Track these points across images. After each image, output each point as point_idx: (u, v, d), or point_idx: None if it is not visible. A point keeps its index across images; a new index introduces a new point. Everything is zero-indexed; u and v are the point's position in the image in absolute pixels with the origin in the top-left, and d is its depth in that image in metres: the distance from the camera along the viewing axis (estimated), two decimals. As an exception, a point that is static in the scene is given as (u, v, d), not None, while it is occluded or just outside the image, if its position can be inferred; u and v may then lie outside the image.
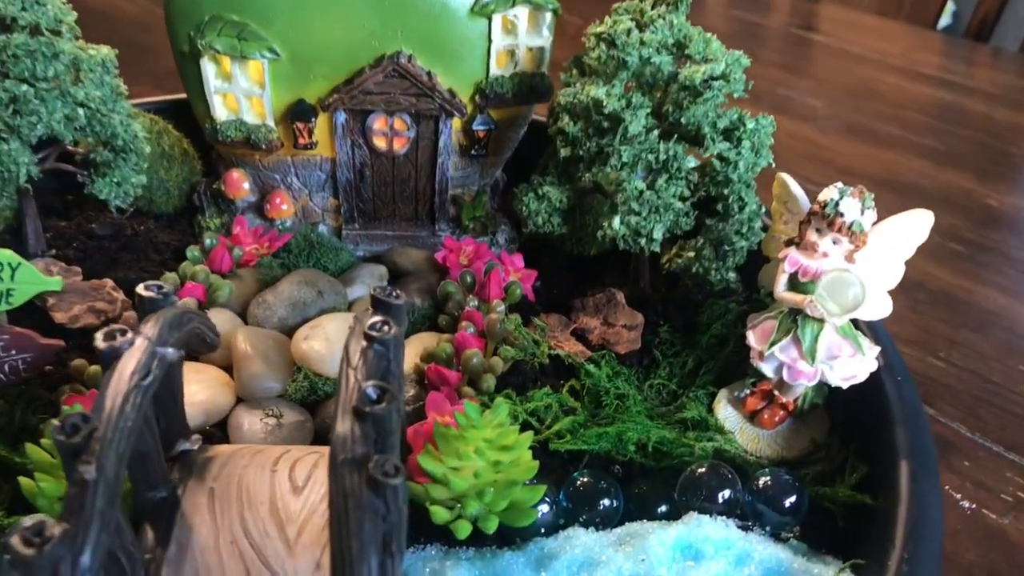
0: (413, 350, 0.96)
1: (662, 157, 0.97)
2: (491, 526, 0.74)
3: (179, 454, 0.78)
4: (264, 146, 1.14)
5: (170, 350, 0.66)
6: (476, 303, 1.03)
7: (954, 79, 2.51)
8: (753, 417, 0.94)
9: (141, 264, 1.10)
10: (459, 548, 0.77)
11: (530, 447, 0.84)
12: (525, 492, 0.76)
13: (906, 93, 2.38)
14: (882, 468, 0.82)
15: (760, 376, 0.96)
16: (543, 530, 0.80)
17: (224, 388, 0.91)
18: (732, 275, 1.11)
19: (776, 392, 0.94)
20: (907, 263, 0.88)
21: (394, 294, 0.72)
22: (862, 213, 0.83)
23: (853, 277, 0.84)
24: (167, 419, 0.77)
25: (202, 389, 0.89)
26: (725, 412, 0.95)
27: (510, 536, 0.80)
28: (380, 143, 1.15)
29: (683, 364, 1.01)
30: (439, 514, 0.74)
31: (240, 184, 1.20)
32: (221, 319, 0.98)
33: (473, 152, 1.17)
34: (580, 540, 0.78)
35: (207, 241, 1.12)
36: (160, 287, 0.73)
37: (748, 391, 0.97)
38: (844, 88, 2.38)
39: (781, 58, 2.59)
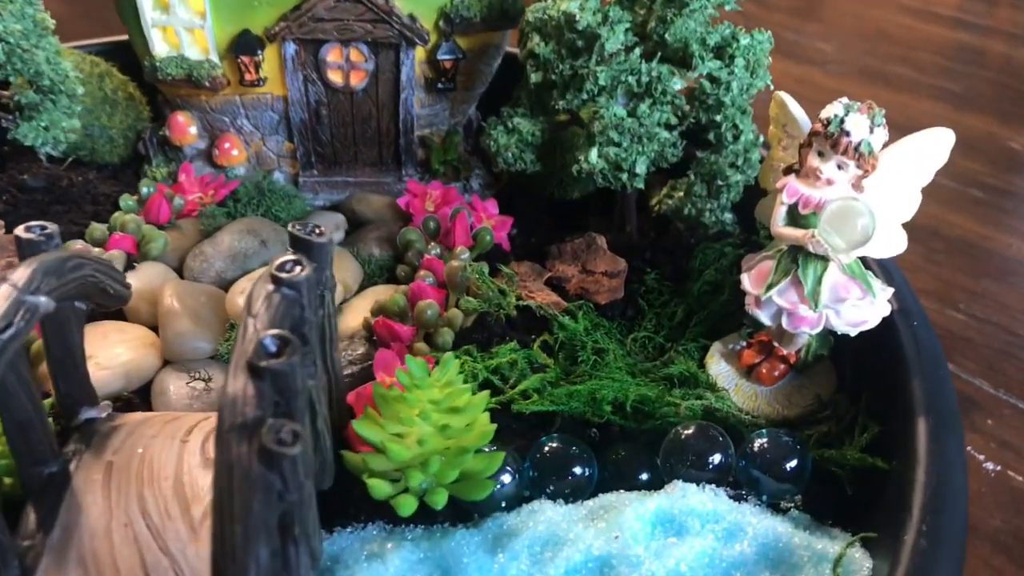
0: (366, 304, 0.85)
1: (644, 79, 0.86)
2: (439, 500, 0.63)
3: (82, 423, 0.68)
4: (208, 84, 1.03)
5: (43, 299, 0.56)
6: (439, 251, 0.92)
7: (972, 19, 2.37)
8: (750, 372, 0.83)
9: (72, 216, 1.00)
10: (405, 526, 0.67)
11: (491, 409, 0.74)
12: (479, 461, 0.65)
13: (920, 35, 2.24)
14: (896, 427, 0.71)
15: (757, 326, 0.84)
16: (504, 504, 0.69)
17: (149, 349, 0.80)
18: (728, 216, 0.99)
19: (775, 343, 0.83)
20: (921, 210, 0.77)
21: (315, 230, 0.62)
22: (871, 132, 0.72)
23: (862, 206, 0.72)
24: (65, 382, 0.67)
25: (125, 350, 0.79)
26: (718, 367, 0.84)
27: (467, 512, 0.69)
28: (335, 77, 1.03)
29: (671, 315, 0.90)
30: (378, 488, 0.63)
31: (186, 129, 1.09)
32: (152, 273, 0.88)
33: (440, 86, 1.06)
34: (545, 515, 0.67)
35: (144, 189, 1.02)
36: (43, 227, 0.62)
37: (744, 343, 0.86)
38: (855, 31, 2.25)
39: (788, 2, 2.46)
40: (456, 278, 0.83)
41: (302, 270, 0.56)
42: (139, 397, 0.79)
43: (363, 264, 0.95)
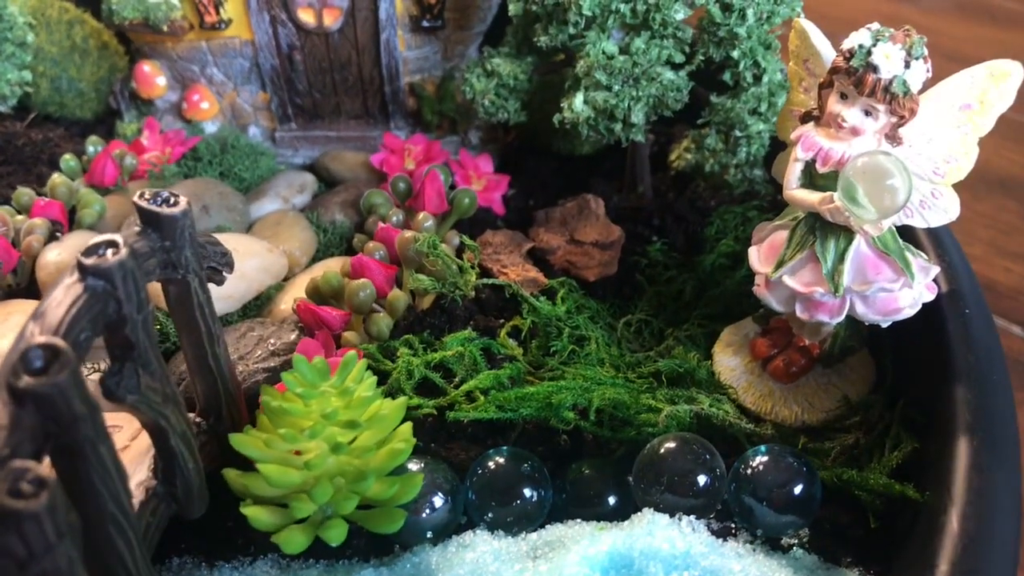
0: (308, 279, 0.73)
1: (640, 7, 0.70)
2: (333, 537, 0.51)
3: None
4: (167, 28, 0.91)
5: None
6: (400, 217, 0.78)
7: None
8: (765, 366, 0.68)
9: (16, 180, 0.90)
10: (303, 562, 0.55)
11: (426, 416, 0.61)
12: (388, 487, 0.52)
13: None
14: (935, 446, 0.56)
15: (772, 310, 0.69)
16: (429, 535, 0.56)
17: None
18: (758, 173, 0.83)
19: (795, 331, 0.67)
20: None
21: (168, 199, 0.49)
22: (907, 67, 0.55)
23: (893, 163, 0.55)
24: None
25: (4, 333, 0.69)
26: (727, 359, 0.69)
27: (388, 544, 0.57)
28: (306, 17, 0.90)
29: (677, 293, 0.75)
30: (259, 519, 0.51)
31: (152, 80, 0.98)
32: (80, 244, 0.77)
33: (426, 23, 0.91)
34: (476, 551, 0.54)
35: (91, 148, 0.91)
36: None
37: (759, 330, 0.70)
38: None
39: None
40: (407, 251, 0.70)
41: (115, 254, 0.43)
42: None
43: (322, 232, 0.82)
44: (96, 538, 0.42)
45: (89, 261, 0.43)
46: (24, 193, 0.82)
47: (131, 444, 0.56)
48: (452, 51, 0.97)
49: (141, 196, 0.49)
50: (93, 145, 0.92)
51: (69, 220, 0.82)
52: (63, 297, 0.42)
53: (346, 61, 0.94)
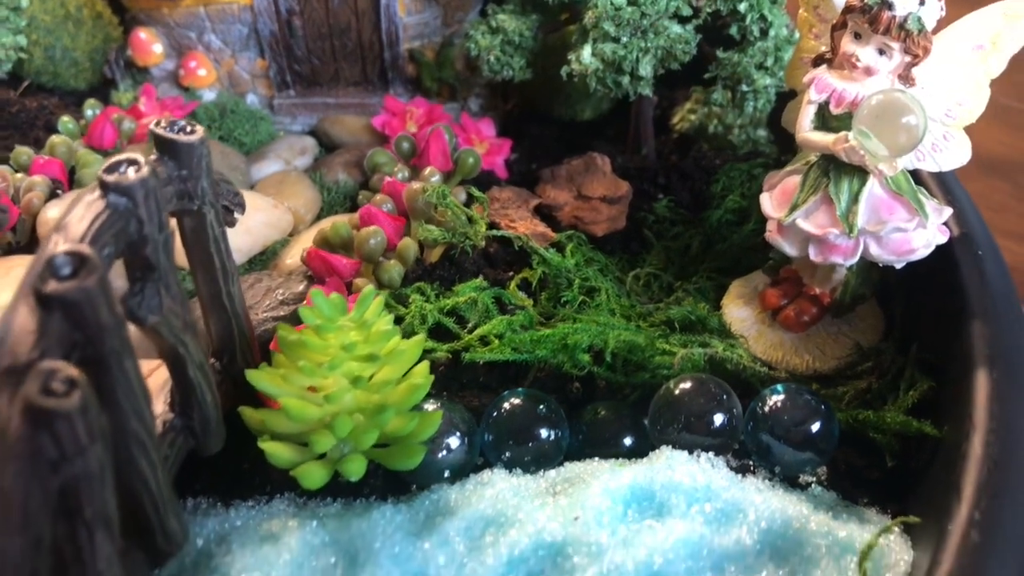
0: (314, 235, 0.72)
1: (648, -40, 0.70)
2: (353, 471, 0.50)
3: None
4: (161, -9, 0.90)
5: None
6: (407, 174, 0.78)
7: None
8: (775, 316, 0.68)
9: (13, 142, 0.88)
10: (321, 500, 0.54)
11: (441, 360, 0.60)
12: (408, 422, 0.52)
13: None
14: (952, 382, 0.56)
15: (784, 259, 0.69)
16: (448, 475, 0.56)
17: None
18: (761, 133, 0.84)
19: (805, 281, 0.67)
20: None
21: (185, 127, 0.48)
22: (922, 3, 0.55)
23: (909, 100, 0.56)
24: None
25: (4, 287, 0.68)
26: (737, 311, 0.69)
27: (403, 482, 0.56)
28: (306, -19, 0.90)
29: (684, 248, 0.75)
30: (278, 454, 0.51)
31: (148, 47, 0.97)
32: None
33: (426, -12, 0.91)
34: (495, 488, 0.53)
35: (88, 112, 0.90)
36: None
37: (768, 281, 0.70)
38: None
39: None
40: (416, 202, 0.69)
41: (137, 171, 0.43)
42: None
43: (325, 191, 0.82)
44: (119, 457, 0.41)
45: (111, 178, 0.42)
46: (23, 152, 0.81)
47: (148, 380, 0.55)
48: (452, 17, 0.96)
49: (157, 124, 0.48)
50: (91, 108, 0.90)
51: (69, 181, 0.81)
52: (85, 212, 0.41)
53: (345, 26, 0.94)
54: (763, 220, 0.70)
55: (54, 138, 0.82)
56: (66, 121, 0.87)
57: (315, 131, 0.95)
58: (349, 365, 0.51)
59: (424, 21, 0.95)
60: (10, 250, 0.75)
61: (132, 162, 0.43)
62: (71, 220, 0.41)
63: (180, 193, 0.49)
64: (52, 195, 0.77)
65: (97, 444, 0.35)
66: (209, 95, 0.98)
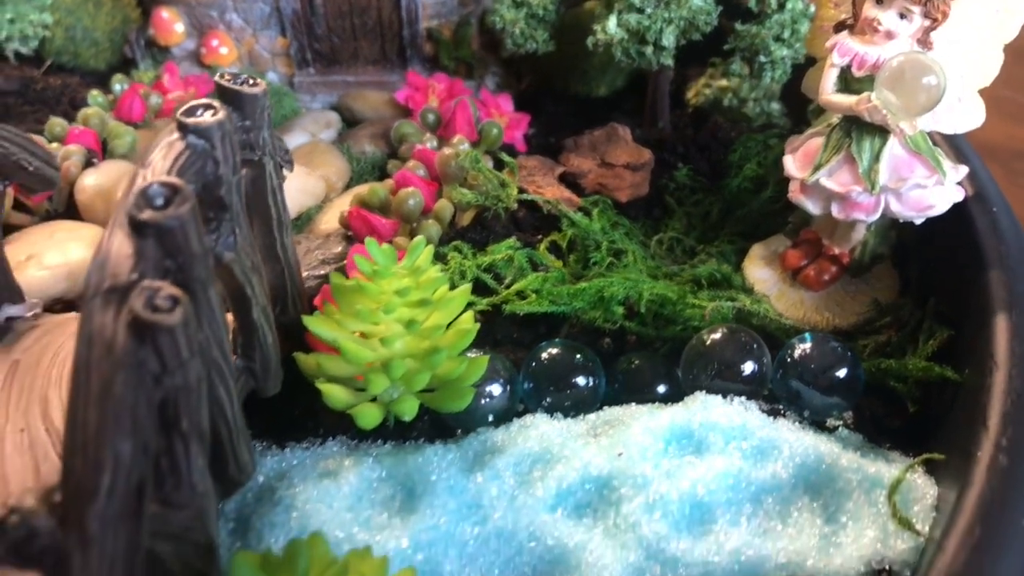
0: (347, 201, 0.75)
1: (671, -66, 0.73)
2: (406, 410, 0.53)
3: (2, 323, 0.59)
4: (189, -29, 0.92)
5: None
6: (435, 143, 0.80)
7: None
8: (795, 276, 0.70)
9: (40, 116, 0.90)
10: (372, 442, 0.57)
11: (482, 312, 0.63)
12: (458, 365, 0.54)
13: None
14: (971, 329, 0.58)
15: (805, 221, 0.72)
16: (492, 420, 0.58)
17: (100, 249, 0.71)
18: (775, 106, 0.86)
19: (825, 241, 0.70)
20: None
21: (247, 80, 0.51)
22: (942, -32, 0.58)
23: (929, 61, 0.58)
24: (-22, 274, 0.58)
25: (73, 249, 0.69)
26: (758, 271, 0.72)
27: (448, 428, 0.59)
28: (329, -40, 0.92)
29: (704, 214, 0.78)
30: (334, 396, 0.53)
31: (171, 26, 0.99)
32: (114, 170, 0.78)
33: (446, -32, 0.94)
34: (539, 430, 0.56)
35: (117, 86, 0.92)
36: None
37: (789, 243, 0.73)
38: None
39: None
40: (449, 166, 0.71)
41: (214, 115, 0.45)
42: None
43: (353, 162, 0.84)
44: (200, 385, 0.43)
45: (190, 120, 0.44)
46: (57, 123, 0.83)
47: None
48: (469, -2, 0.99)
49: (222, 76, 0.51)
50: (119, 83, 0.92)
51: (102, 151, 0.83)
52: (167, 152, 0.43)
53: (366, 5, 0.96)
54: (780, 187, 0.73)
55: (87, 110, 0.84)
56: (95, 95, 0.89)
57: (338, 106, 0.97)
58: (402, 310, 0.54)
59: (442, 1, 0.97)
60: (48, 216, 0.77)
61: (208, 106, 0.45)
62: (154, 159, 0.43)
63: (243, 143, 0.51)
64: (88, 164, 0.79)
65: (196, 359, 0.37)
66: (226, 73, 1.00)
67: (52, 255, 0.69)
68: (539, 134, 0.93)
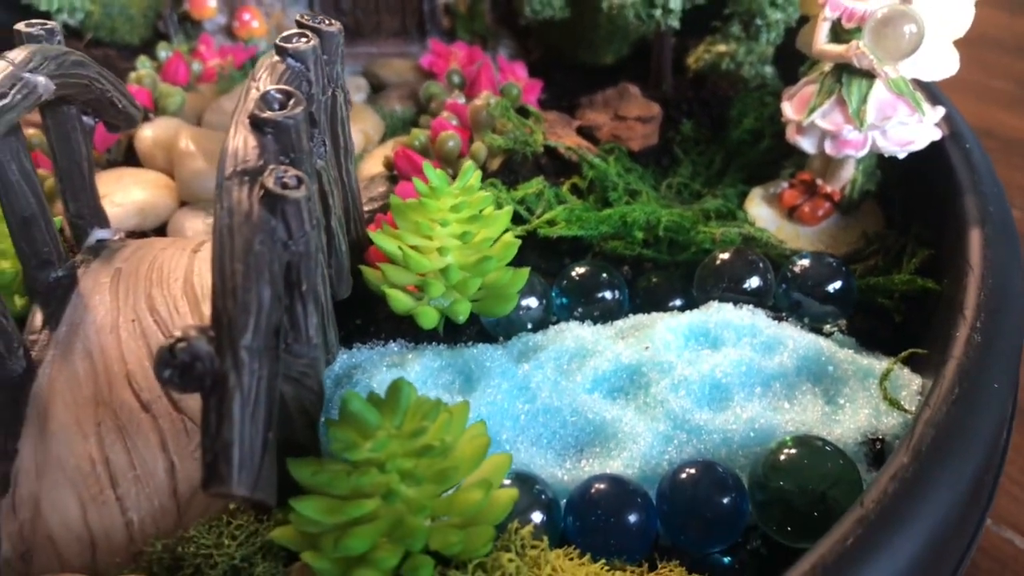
0: (388, 151, 0.82)
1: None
2: (461, 311, 0.60)
3: (94, 244, 0.66)
4: (225, -52, 1.00)
5: (42, 79, 0.53)
6: (463, 100, 0.88)
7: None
8: (792, 214, 0.79)
9: (89, 82, 0.97)
10: (427, 344, 0.64)
11: (518, 236, 0.70)
12: (504, 274, 0.62)
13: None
14: (948, 245, 0.67)
15: (800, 166, 0.80)
16: (529, 326, 0.66)
17: (164, 190, 0.78)
18: (768, 69, 0.95)
19: (819, 181, 0.78)
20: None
21: (326, 20, 0.58)
22: (921, -71, 0.67)
23: (910, 11, 0.67)
24: (74, 200, 0.65)
25: (140, 191, 0.77)
26: (758, 210, 0.80)
27: (492, 335, 0.66)
28: (357, -63, 1.00)
29: (709, 163, 0.86)
30: (398, 300, 0.60)
31: (205, 2, 1.06)
32: (168, 125, 0.85)
33: (465, -55, 1.02)
34: (573, 333, 0.64)
35: (162, 53, 0.99)
36: (45, 24, 0.60)
37: (785, 184, 0.81)
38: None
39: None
40: (480, 116, 0.79)
41: (308, 41, 0.52)
42: (155, 235, 0.76)
43: (385, 119, 0.91)
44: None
45: (289, 45, 0.52)
46: (112, 83, 0.90)
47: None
48: (484, -26, 1.07)
49: (302, 16, 0.58)
50: (164, 50, 0.99)
51: (154, 108, 0.90)
52: (271, 71, 0.51)
53: (389, -20, 1.04)
54: (776, 139, 0.82)
55: (140, 71, 0.92)
56: (144, 60, 0.96)
57: (364, 73, 1.05)
58: (455, 224, 0.61)
59: (460, -24, 1.05)
60: (109, 164, 0.84)
61: (303, 35, 0.53)
62: (261, 76, 0.50)
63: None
64: (145, 118, 0.86)
65: (316, 230, 0.45)
66: (259, 45, 1.07)
67: (122, 195, 0.76)
68: (551, 99, 1.01)
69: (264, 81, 0.50)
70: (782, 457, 0.52)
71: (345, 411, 0.44)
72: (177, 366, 0.39)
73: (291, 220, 0.43)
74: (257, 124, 0.46)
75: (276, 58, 0.52)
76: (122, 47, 1.12)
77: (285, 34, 0.53)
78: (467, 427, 0.49)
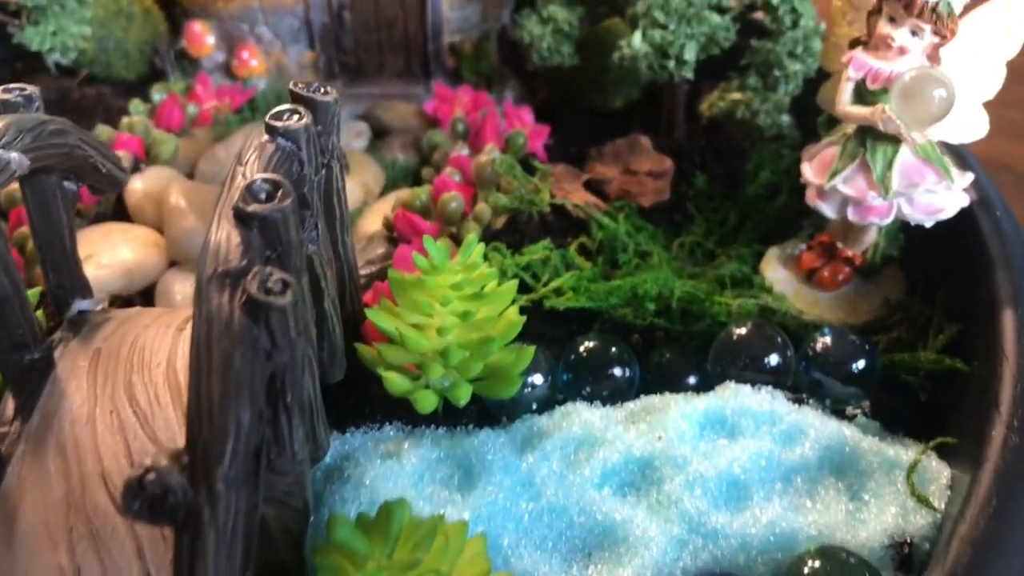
0: (387, 206, 0.79)
1: (692, -45, 0.77)
2: (461, 396, 0.57)
3: (74, 316, 0.62)
4: (225, -14, 0.96)
5: (15, 155, 0.50)
6: (467, 151, 0.84)
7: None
8: (810, 277, 0.75)
9: (81, 126, 0.94)
10: (425, 427, 0.60)
11: (521, 308, 0.67)
12: (507, 355, 0.58)
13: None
14: (979, 325, 0.63)
15: (818, 226, 0.76)
16: (535, 407, 0.62)
17: (152, 249, 0.74)
18: (785, 118, 0.91)
19: (839, 244, 0.74)
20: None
21: (319, 88, 0.55)
22: (951, -11, 0.63)
23: (939, 75, 0.63)
24: (55, 270, 0.61)
25: (127, 249, 0.73)
26: (775, 273, 0.76)
27: (494, 415, 0.62)
28: (359, -23, 0.97)
29: (723, 220, 0.82)
30: (395, 382, 0.56)
31: (203, 39, 1.03)
32: (160, 175, 0.82)
33: (471, -14, 0.98)
34: (581, 417, 0.60)
35: (156, 96, 0.96)
36: (23, 89, 0.56)
37: (804, 246, 0.77)
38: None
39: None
40: (484, 172, 0.76)
41: (300, 119, 0.49)
42: (142, 299, 0.73)
43: (386, 169, 0.88)
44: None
45: (279, 124, 0.48)
46: (104, 131, 0.87)
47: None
48: (490, 13, 1.03)
49: (295, 84, 0.55)
50: (158, 93, 0.96)
51: (146, 157, 0.87)
52: (260, 152, 0.47)
53: (392, 20, 1.00)
54: (793, 194, 0.78)
55: (132, 118, 0.88)
56: (136, 104, 0.93)
57: (366, 116, 1.01)
58: (456, 303, 0.58)
59: (465, 16, 1.02)
60: (98, 218, 0.80)
61: (294, 111, 0.49)
62: (248, 160, 0.47)
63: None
64: (135, 169, 0.83)
65: (302, 338, 0.41)
66: (258, 83, 1.04)
67: (109, 255, 0.73)
68: (558, 145, 0.98)
69: (252, 166, 0.46)
70: (805, 571, 0.48)
71: (332, 538, 0.40)
72: (147, 499, 0.36)
73: (275, 328, 0.40)
74: (242, 218, 0.42)
75: (266, 137, 0.48)
76: (117, 83, 1.08)
77: (276, 110, 0.49)
78: (467, 540, 0.45)
